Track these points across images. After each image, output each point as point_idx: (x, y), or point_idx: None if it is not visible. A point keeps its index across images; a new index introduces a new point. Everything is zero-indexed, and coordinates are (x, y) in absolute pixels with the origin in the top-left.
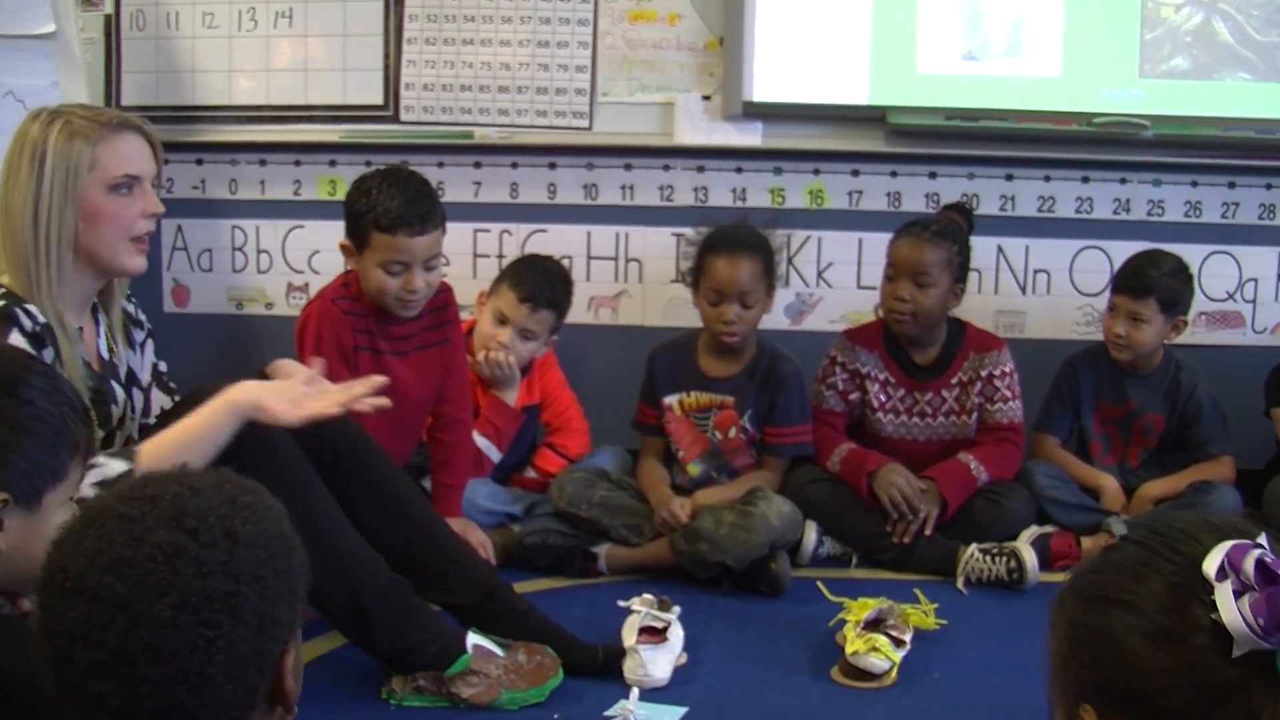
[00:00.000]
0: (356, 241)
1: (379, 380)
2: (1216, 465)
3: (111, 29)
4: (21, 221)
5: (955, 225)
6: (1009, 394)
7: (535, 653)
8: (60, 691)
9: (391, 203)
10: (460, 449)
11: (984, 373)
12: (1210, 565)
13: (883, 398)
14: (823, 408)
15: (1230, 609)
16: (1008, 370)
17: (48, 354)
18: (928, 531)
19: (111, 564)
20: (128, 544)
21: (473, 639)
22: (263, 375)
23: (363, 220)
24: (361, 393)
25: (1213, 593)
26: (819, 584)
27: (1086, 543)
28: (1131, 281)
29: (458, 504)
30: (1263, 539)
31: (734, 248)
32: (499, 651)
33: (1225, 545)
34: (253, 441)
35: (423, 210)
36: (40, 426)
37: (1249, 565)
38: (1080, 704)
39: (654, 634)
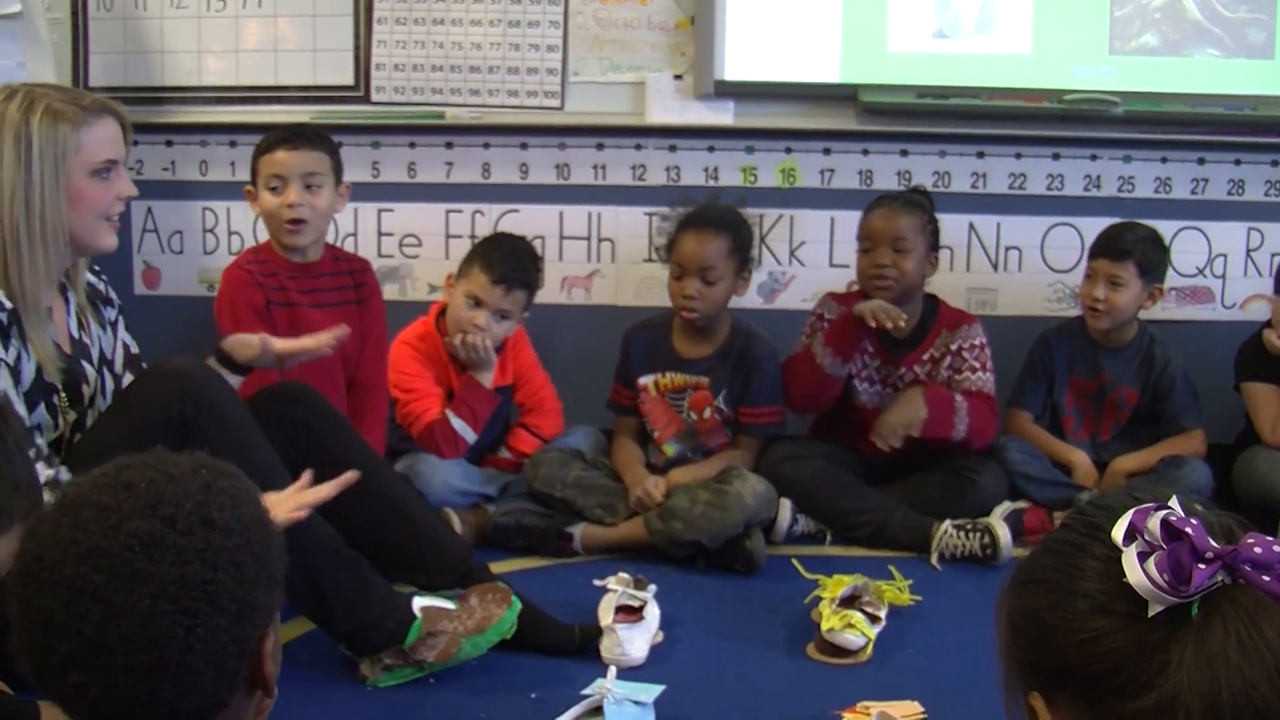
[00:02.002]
0: (253, 181)
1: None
2: (1188, 439)
3: (78, 9)
4: (9, 206)
5: (923, 196)
6: (977, 364)
7: (486, 593)
8: (39, 680)
9: (273, 134)
10: (375, 415)
11: (953, 347)
12: (1118, 532)
13: (859, 364)
14: (815, 360)
15: (1135, 570)
16: (977, 344)
17: (11, 343)
18: (896, 444)
19: (88, 553)
20: (104, 533)
21: (419, 601)
22: (220, 354)
23: (254, 157)
24: None
25: None
26: (794, 561)
27: (1059, 518)
28: (1110, 245)
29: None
30: (1173, 502)
31: (701, 224)
32: (450, 605)
33: (1130, 512)
34: (204, 411)
35: (297, 130)
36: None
37: (1154, 525)
38: (1028, 693)
39: (630, 613)
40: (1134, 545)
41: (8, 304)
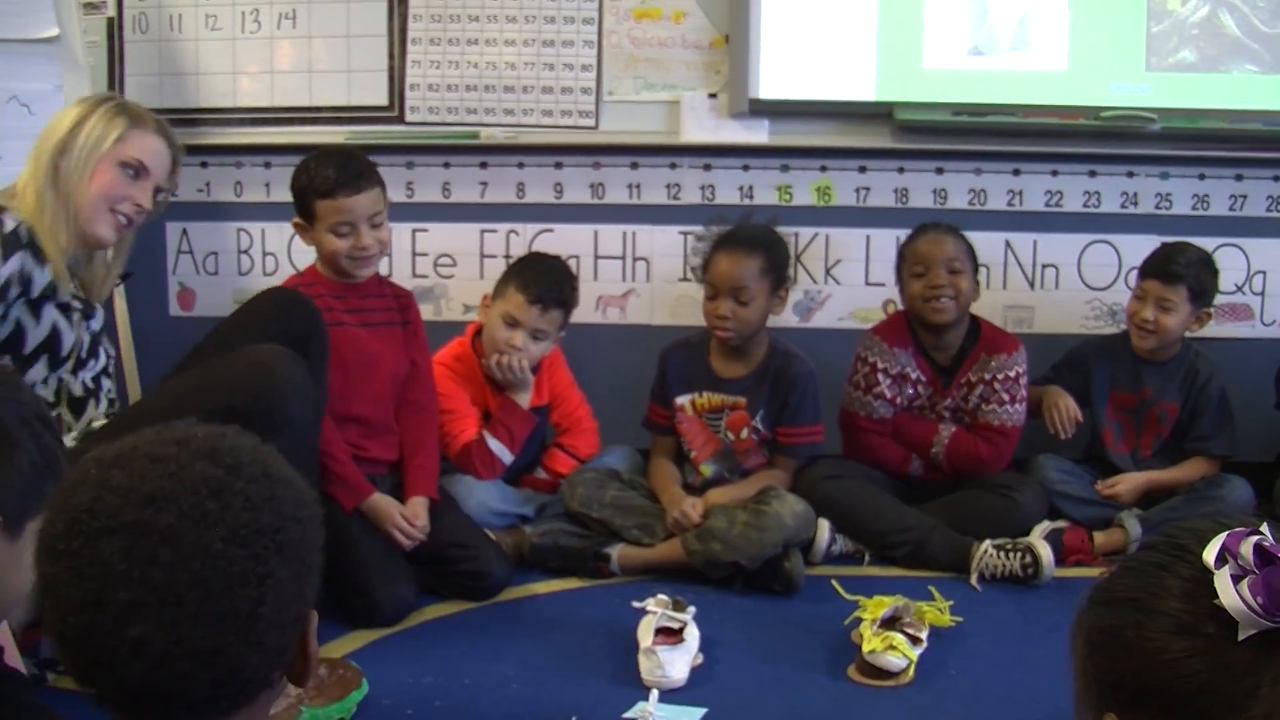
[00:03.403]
0: (305, 216)
1: None
2: (1210, 466)
3: (114, 32)
4: (49, 159)
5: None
6: (1006, 397)
7: (337, 667)
8: (82, 646)
9: (327, 171)
10: (428, 432)
11: (988, 376)
12: (1210, 554)
13: (911, 393)
14: (873, 416)
15: (1229, 592)
16: (1012, 375)
17: (24, 256)
18: None
19: (152, 497)
20: (166, 479)
21: None
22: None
23: (306, 194)
24: None
25: None
26: (834, 582)
27: (1099, 537)
28: (1163, 268)
29: (433, 484)
30: (1264, 528)
31: (733, 244)
32: None
33: (1223, 534)
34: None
35: (356, 170)
36: (31, 447)
37: (1246, 550)
38: (1104, 714)
39: (670, 634)
40: (1226, 568)
41: (24, 225)
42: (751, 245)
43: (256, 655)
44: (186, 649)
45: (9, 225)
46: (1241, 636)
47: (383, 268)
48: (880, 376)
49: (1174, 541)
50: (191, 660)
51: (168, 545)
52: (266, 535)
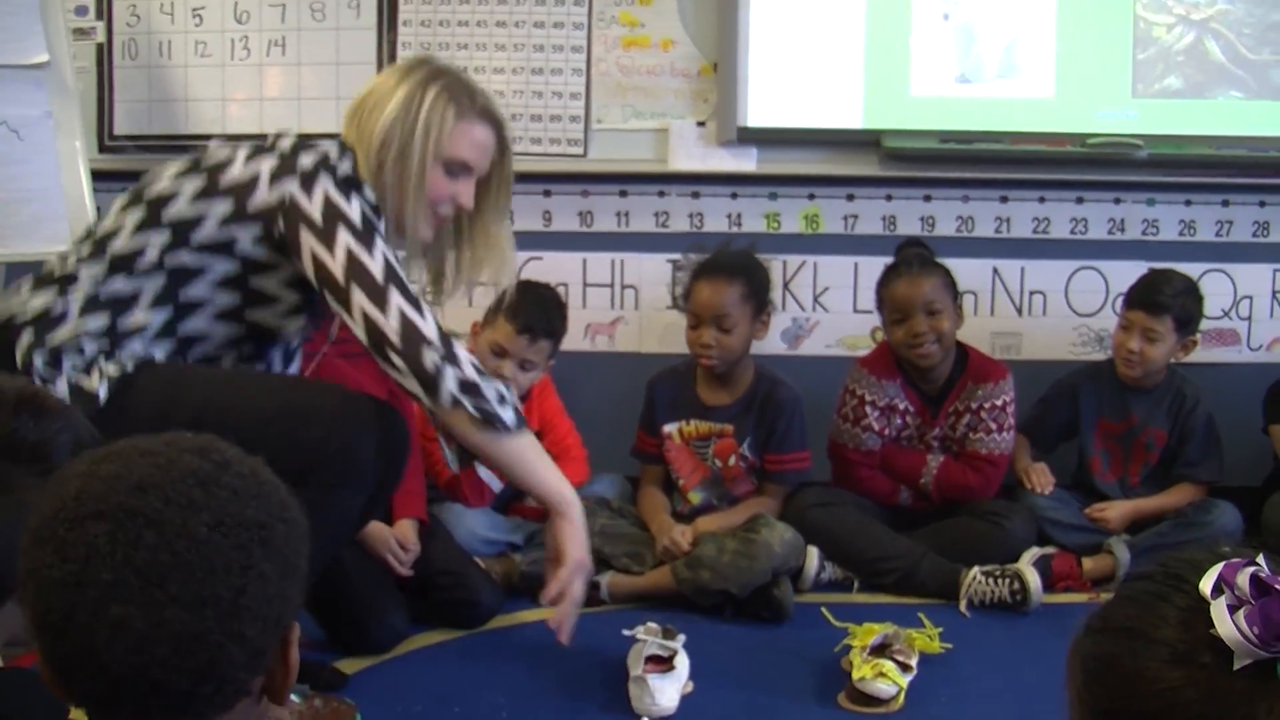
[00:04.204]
0: None
1: None
2: (1198, 492)
3: (104, 58)
4: (379, 144)
5: (927, 253)
6: (994, 425)
7: (330, 700)
8: (64, 629)
9: None
10: (412, 469)
11: (974, 405)
12: (1206, 584)
13: (899, 424)
14: (861, 449)
15: (1225, 622)
16: (999, 404)
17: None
18: None
19: (139, 485)
20: (155, 469)
21: None
22: None
23: None
24: None
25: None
26: (823, 609)
27: (1088, 563)
28: (1148, 298)
29: (420, 506)
30: (1260, 559)
31: (713, 272)
32: (296, 699)
33: (1220, 565)
34: None
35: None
36: None
37: (1243, 580)
38: None
39: (661, 663)
40: (1222, 598)
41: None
42: (731, 272)
43: (237, 646)
44: (167, 631)
45: (345, 168)
46: (1237, 666)
47: None
48: (868, 409)
49: (1171, 571)
50: (171, 645)
51: (152, 528)
52: (251, 528)
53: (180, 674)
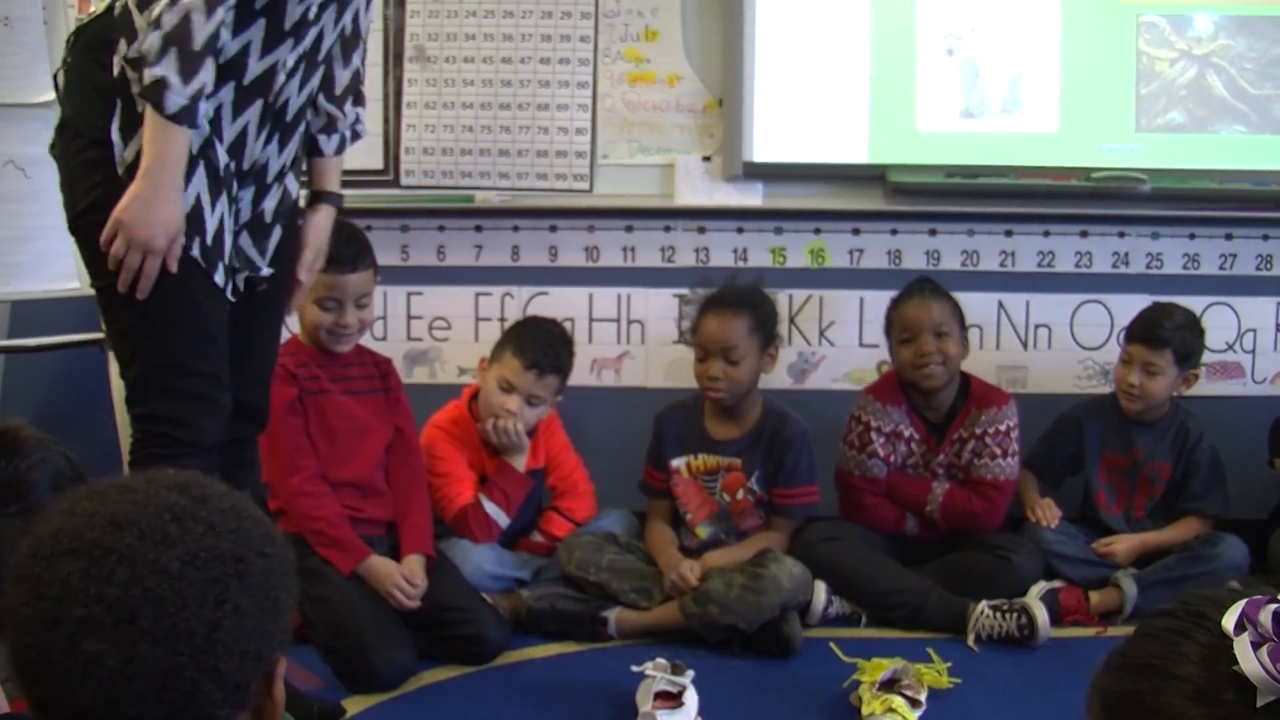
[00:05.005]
0: None
1: None
2: (1204, 525)
3: None
4: None
5: (930, 283)
6: (998, 450)
7: None
8: (38, 667)
9: None
10: (417, 491)
11: (979, 430)
12: (1228, 621)
13: (905, 451)
14: (868, 476)
15: (1249, 659)
16: (1003, 429)
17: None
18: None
19: (114, 521)
20: (132, 506)
21: None
22: None
23: None
24: None
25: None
26: (831, 644)
27: (1095, 597)
28: (1148, 332)
29: (428, 541)
30: None
31: (720, 305)
32: None
33: (1242, 602)
34: None
35: (354, 251)
36: None
37: (1265, 617)
38: None
39: (669, 699)
40: (1245, 634)
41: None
42: (738, 305)
43: (212, 682)
44: (140, 667)
45: None
46: (1260, 703)
47: (377, 330)
48: (874, 435)
49: (1192, 608)
50: (145, 681)
51: (125, 564)
52: (227, 562)
53: (156, 710)
